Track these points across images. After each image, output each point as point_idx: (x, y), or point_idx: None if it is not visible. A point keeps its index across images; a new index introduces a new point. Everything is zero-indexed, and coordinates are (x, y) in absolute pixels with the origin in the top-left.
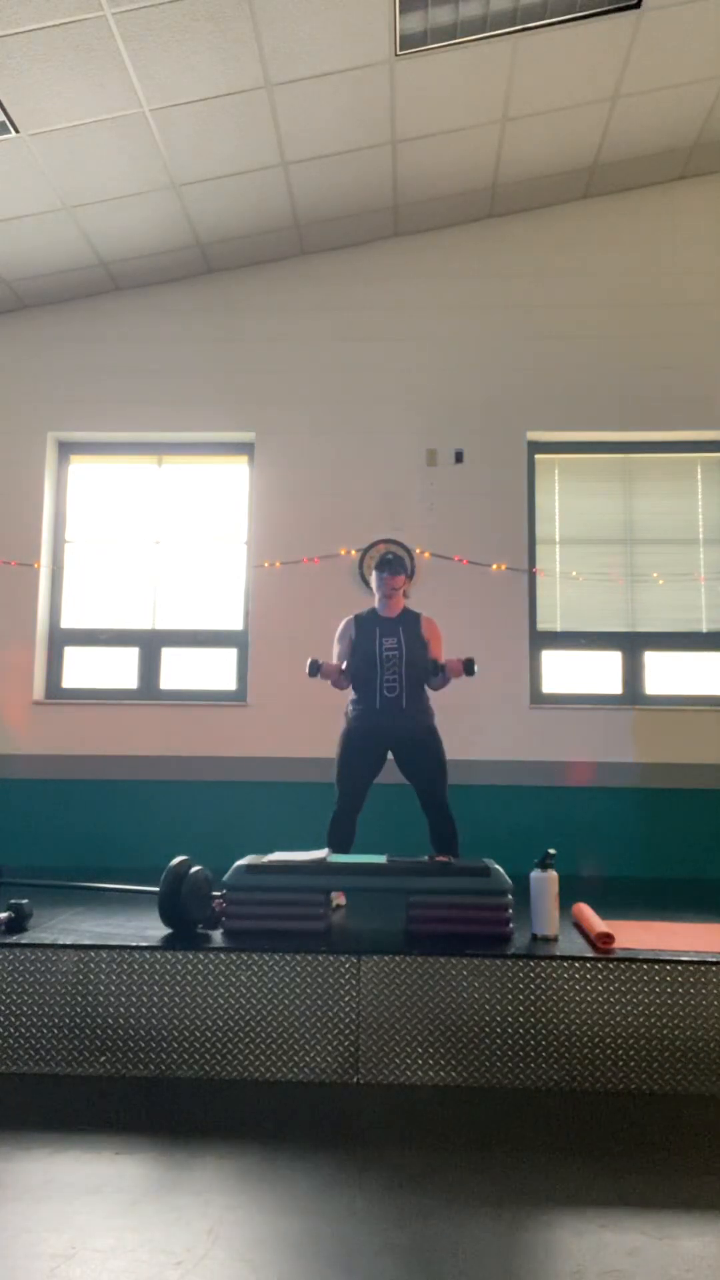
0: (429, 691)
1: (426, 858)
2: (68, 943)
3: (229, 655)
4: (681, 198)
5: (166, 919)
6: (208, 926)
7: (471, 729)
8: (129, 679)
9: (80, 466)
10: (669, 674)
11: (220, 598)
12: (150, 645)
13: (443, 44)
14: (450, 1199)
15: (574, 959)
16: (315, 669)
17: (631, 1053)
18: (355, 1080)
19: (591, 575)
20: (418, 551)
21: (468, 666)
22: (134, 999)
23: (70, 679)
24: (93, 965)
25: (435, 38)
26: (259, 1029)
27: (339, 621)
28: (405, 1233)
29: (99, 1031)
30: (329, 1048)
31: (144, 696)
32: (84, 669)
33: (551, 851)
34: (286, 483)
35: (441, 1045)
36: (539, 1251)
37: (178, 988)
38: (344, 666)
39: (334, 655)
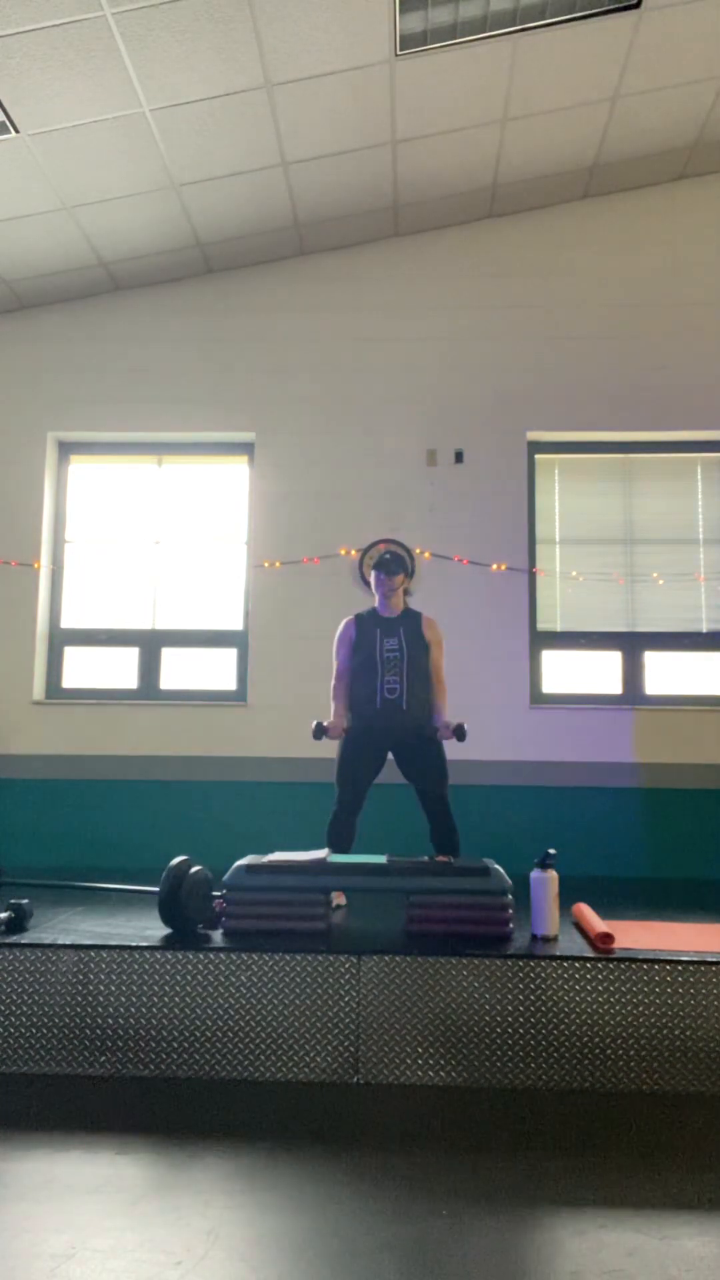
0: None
1: (426, 858)
2: (68, 943)
3: (229, 655)
4: (682, 198)
5: (166, 919)
6: (208, 926)
7: (471, 729)
8: (129, 679)
9: (80, 466)
10: (669, 674)
11: (220, 598)
12: (150, 645)
13: (443, 44)
14: (450, 1199)
15: (574, 959)
16: (320, 733)
17: (631, 1053)
18: (355, 1080)
19: (591, 575)
20: (417, 551)
21: (458, 733)
22: (134, 999)
23: (70, 679)
24: (93, 965)
25: (435, 38)
26: (259, 1029)
27: (339, 621)
28: (405, 1233)
29: (99, 1031)
30: (329, 1048)
31: (144, 696)
32: (84, 669)
33: (551, 851)
34: (286, 483)
35: (441, 1045)
36: (539, 1251)
37: (178, 988)
38: (347, 725)
39: (335, 661)
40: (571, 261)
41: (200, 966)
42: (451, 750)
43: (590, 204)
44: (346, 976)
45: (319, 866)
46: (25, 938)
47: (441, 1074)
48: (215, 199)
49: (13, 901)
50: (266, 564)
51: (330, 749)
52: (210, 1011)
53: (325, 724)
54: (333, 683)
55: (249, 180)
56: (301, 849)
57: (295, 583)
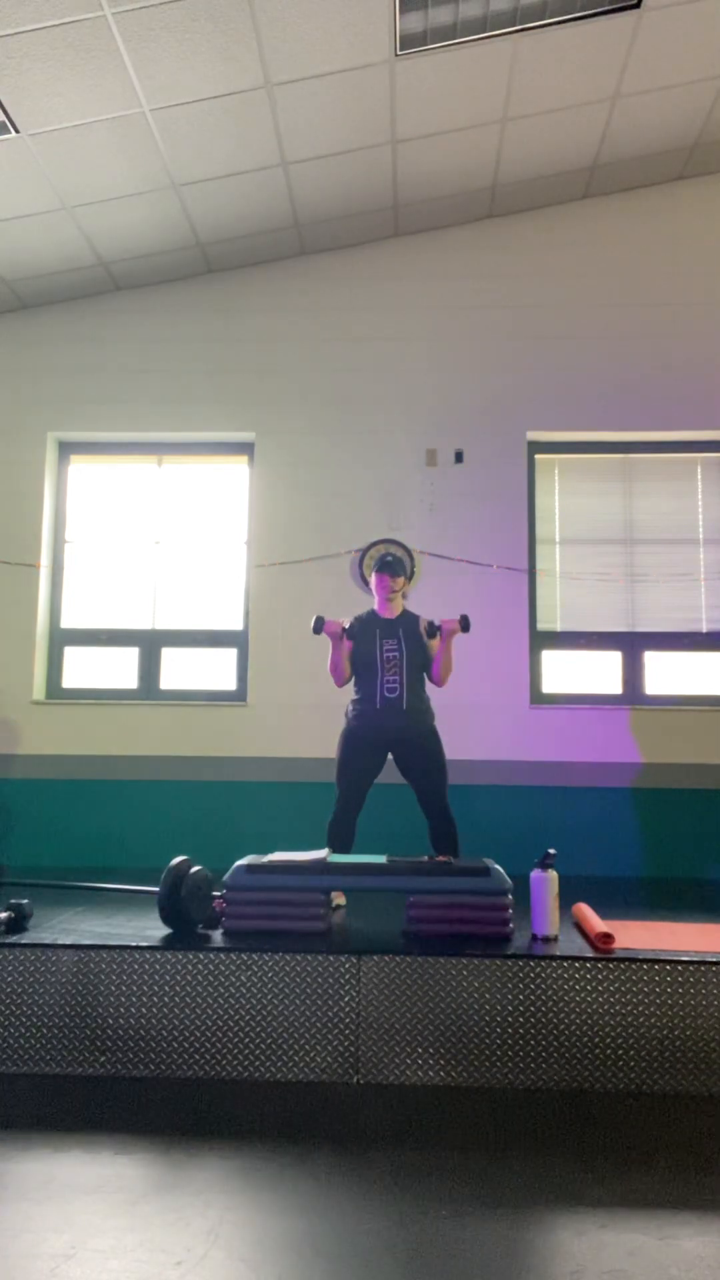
0: (429, 692)
1: (426, 858)
2: (68, 943)
3: (229, 655)
4: (681, 198)
5: (166, 919)
6: (208, 926)
7: (471, 729)
8: (129, 679)
9: (80, 466)
10: (669, 674)
11: (220, 598)
12: (150, 645)
13: (443, 44)
14: (450, 1199)
15: (574, 959)
16: (320, 625)
17: (631, 1053)
18: (355, 1080)
19: (591, 575)
20: (417, 552)
21: (464, 623)
22: (134, 999)
23: (70, 679)
24: (93, 965)
25: (435, 38)
26: (259, 1029)
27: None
28: (405, 1233)
29: (99, 1031)
30: (329, 1048)
31: (144, 696)
32: (84, 669)
33: (551, 851)
34: (286, 483)
35: (441, 1045)
36: (539, 1251)
37: (178, 988)
38: (346, 625)
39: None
40: (571, 261)
41: (200, 966)
42: (451, 750)
43: (590, 204)
44: (346, 976)
45: (319, 866)
46: (25, 938)
47: (441, 1074)
48: (215, 199)
49: (13, 901)
50: (266, 564)
51: (330, 748)
52: (210, 1011)
53: (326, 618)
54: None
55: (249, 180)
56: (301, 849)
57: (295, 583)
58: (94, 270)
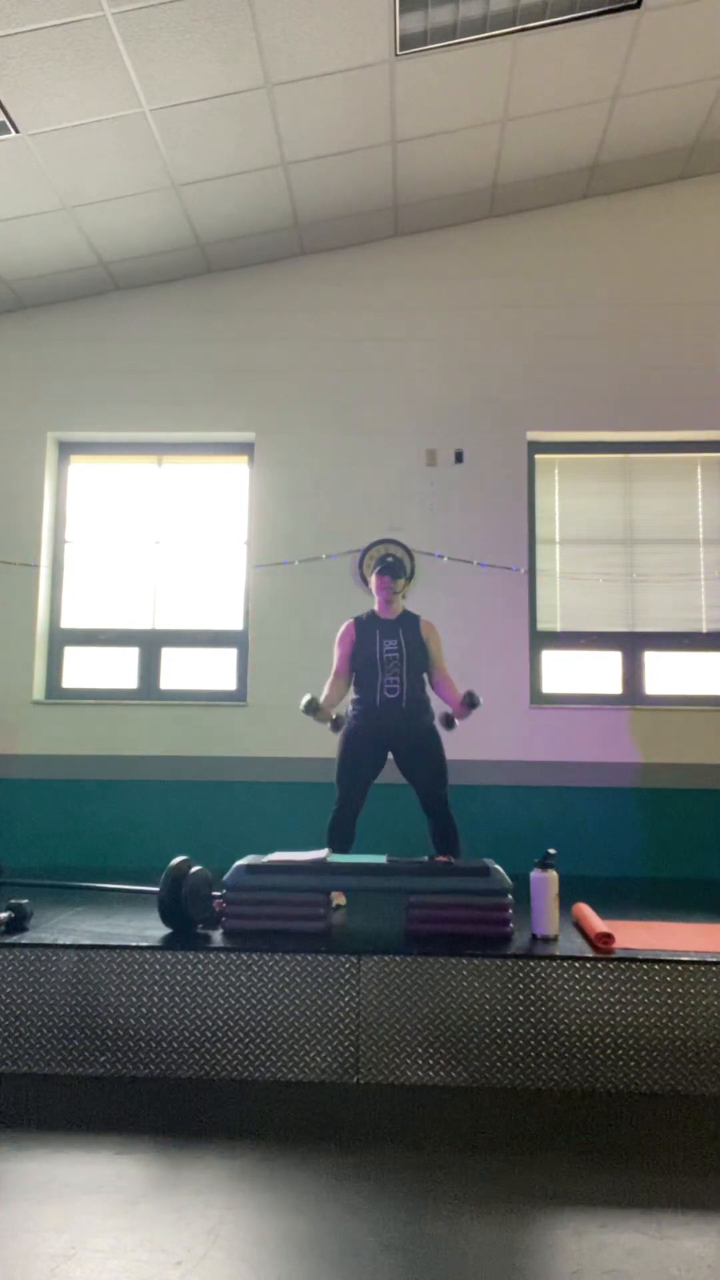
0: (430, 693)
1: (426, 858)
2: (68, 943)
3: (229, 655)
4: (681, 198)
5: (166, 919)
6: (208, 926)
7: (471, 729)
8: (129, 679)
9: (80, 466)
10: (669, 674)
11: (220, 598)
12: (150, 645)
13: (443, 44)
14: (450, 1199)
15: (574, 959)
16: (312, 708)
17: (631, 1053)
18: (355, 1080)
19: (591, 575)
20: (417, 552)
21: (467, 699)
22: (134, 999)
23: (70, 679)
24: (93, 965)
25: (435, 38)
26: (259, 1029)
27: (339, 622)
28: (405, 1233)
29: (99, 1031)
30: (329, 1048)
31: (144, 696)
32: (84, 669)
33: (551, 851)
34: (286, 483)
35: (441, 1045)
36: (539, 1251)
37: (178, 988)
38: (335, 717)
39: (334, 659)
40: (571, 261)
41: (200, 966)
42: (451, 750)
43: (590, 204)
44: (346, 976)
45: (319, 866)
46: (25, 938)
47: (441, 1074)
48: (215, 199)
49: (13, 901)
50: (266, 564)
51: (330, 748)
52: (210, 1011)
53: (319, 701)
54: (329, 679)
55: (249, 180)
56: (301, 849)
57: (295, 583)
58: (94, 270)
